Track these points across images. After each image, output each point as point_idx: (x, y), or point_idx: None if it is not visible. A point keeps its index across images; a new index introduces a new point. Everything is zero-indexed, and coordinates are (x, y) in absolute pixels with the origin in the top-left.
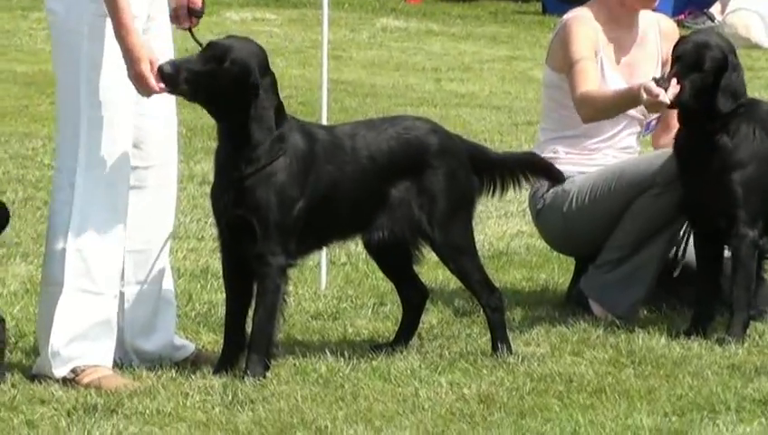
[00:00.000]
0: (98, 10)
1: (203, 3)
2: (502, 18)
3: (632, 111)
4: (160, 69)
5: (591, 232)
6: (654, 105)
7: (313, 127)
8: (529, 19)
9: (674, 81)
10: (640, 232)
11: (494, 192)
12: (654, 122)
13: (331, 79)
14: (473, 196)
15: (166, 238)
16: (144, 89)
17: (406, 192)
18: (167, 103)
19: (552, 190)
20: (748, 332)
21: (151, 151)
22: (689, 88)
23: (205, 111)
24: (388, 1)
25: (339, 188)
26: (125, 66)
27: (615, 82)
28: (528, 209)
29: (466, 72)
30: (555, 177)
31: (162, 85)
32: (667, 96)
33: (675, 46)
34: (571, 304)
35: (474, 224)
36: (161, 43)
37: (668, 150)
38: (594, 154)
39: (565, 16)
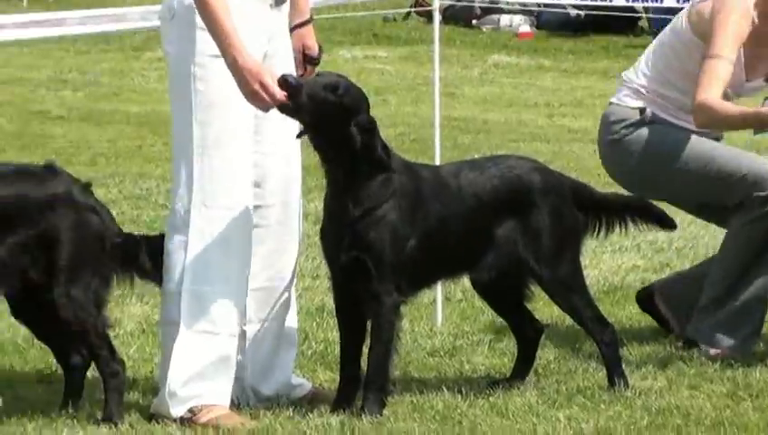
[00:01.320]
0: (207, 50)
1: (320, 50)
2: (613, 52)
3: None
4: (285, 79)
5: (658, 189)
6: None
7: (418, 166)
8: (640, 52)
9: None
10: (742, 263)
11: (598, 232)
12: None
13: (444, 116)
14: (578, 233)
15: (290, 277)
16: (261, 104)
17: (511, 231)
18: (288, 141)
19: (634, 130)
20: None
21: (272, 190)
22: None
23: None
24: (499, 37)
25: (445, 227)
26: (239, 92)
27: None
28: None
29: (579, 108)
30: (666, 223)
31: (283, 94)
32: None
33: None
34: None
35: (582, 260)
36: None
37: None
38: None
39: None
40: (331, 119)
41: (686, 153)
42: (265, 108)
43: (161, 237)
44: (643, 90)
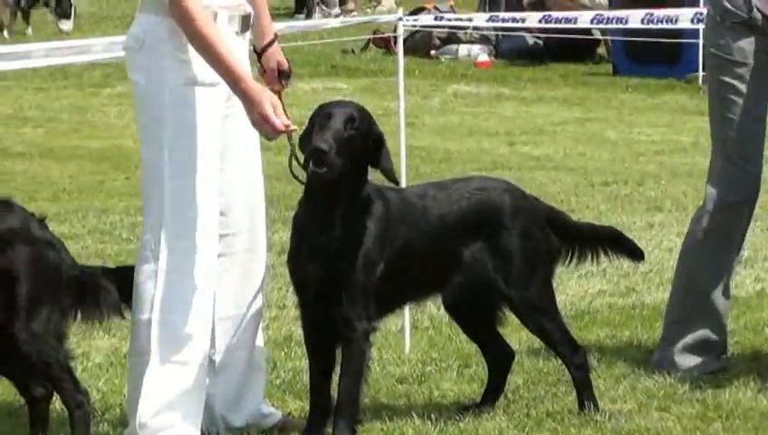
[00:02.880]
0: (180, 79)
1: (289, 65)
2: (572, 80)
3: None
4: (316, 148)
5: None
6: None
7: (385, 188)
8: (600, 80)
9: None
10: (693, 282)
11: (570, 260)
12: None
13: (406, 145)
14: (551, 254)
15: (257, 304)
16: (268, 131)
17: (480, 252)
18: (252, 169)
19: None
20: None
21: (237, 218)
22: None
23: (281, 181)
24: (458, 67)
25: (412, 249)
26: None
27: None
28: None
29: (539, 135)
30: (636, 255)
31: (286, 122)
32: None
33: None
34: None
35: (554, 284)
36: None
37: None
38: None
39: None
40: (359, 150)
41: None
42: (271, 135)
43: (123, 269)
44: None
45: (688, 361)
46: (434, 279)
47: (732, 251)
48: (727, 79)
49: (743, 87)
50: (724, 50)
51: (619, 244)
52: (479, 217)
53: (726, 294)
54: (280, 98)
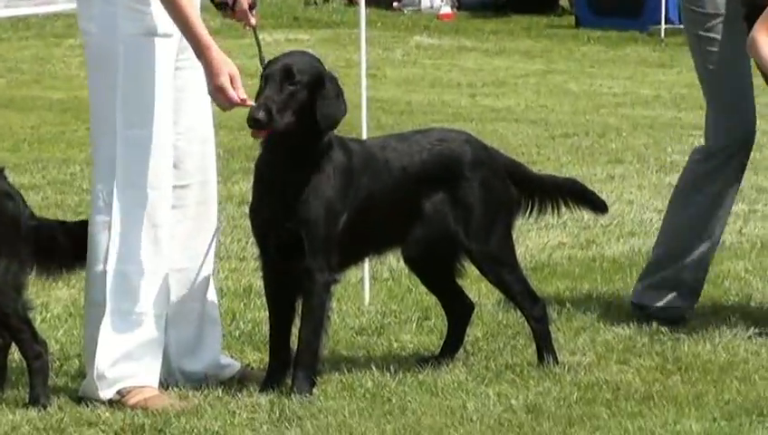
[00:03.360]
0: (135, 28)
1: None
2: (535, 33)
3: None
4: (253, 118)
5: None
6: None
7: (347, 140)
8: (563, 33)
9: None
10: (681, 227)
11: (530, 212)
12: None
13: (368, 97)
14: (511, 206)
15: (208, 256)
16: (224, 102)
17: (441, 204)
18: (204, 122)
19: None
20: None
21: (190, 170)
22: None
23: (243, 131)
24: (420, 19)
25: (374, 201)
26: (163, 72)
27: None
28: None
29: (501, 87)
30: (599, 207)
31: (243, 97)
32: None
33: None
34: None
35: (514, 236)
36: (197, 70)
37: None
38: None
39: None
40: (302, 105)
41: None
42: (227, 105)
43: (81, 223)
44: None
45: (660, 297)
46: (395, 231)
47: (725, 198)
48: (703, 33)
49: (719, 37)
50: (697, 3)
51: (581, 196)
52: (440, 168)
53: (714, 239)
54: (255, 34)
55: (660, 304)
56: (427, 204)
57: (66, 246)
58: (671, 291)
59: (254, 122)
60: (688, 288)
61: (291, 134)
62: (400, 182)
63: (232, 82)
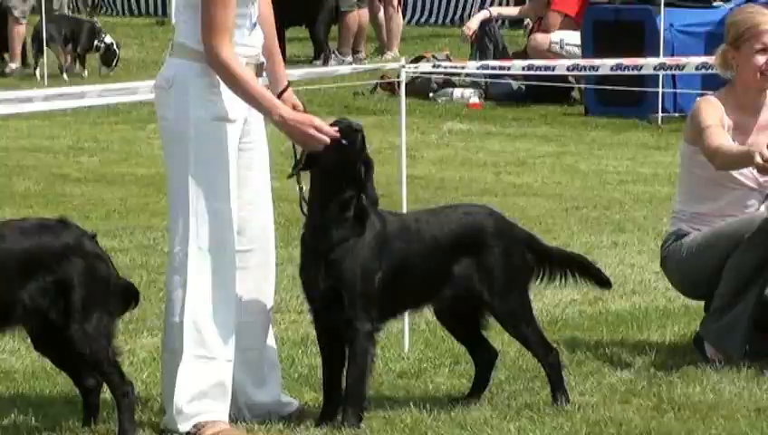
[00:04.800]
0: (204, 114)
1: (304, 106)
2: (550, 119)
3: (753, 185)
4: (349, 124)
5: (704, 280)
6: (762, 169)
7: (384, 212)
8: (574, 120)
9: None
10: (737, 285)
11: (542, 280)
12: None
13: (407, 175)
14: (528, 270)
15: (268, 311)
16: (316, 144)
17: (467, 268)
18: (264, 195)
19: (672, 243)
20: None
21: (251, 237)
22: None
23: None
24: (452, 108)
25: (407, 263)
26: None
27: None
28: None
29: (521, 166)
30: (602, 282)
31: (336, 131)
32: None
33: None
34: (695, 349)
35: (531, 294)
36: (259, 151)
37: (756, 217)
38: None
39: (698, 99)
40: (356, 155)
41: (701, 240)
42: (320, 146)
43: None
44: (679, 214)
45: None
46: (428, 289)
47: None
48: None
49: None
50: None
51: (587, 271)
52: (466, 237)
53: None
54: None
55: None
56: (456, 267)
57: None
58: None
59: (347, 127)
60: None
61: (336, 206)
62: (432, 248)
63: (318, 128)
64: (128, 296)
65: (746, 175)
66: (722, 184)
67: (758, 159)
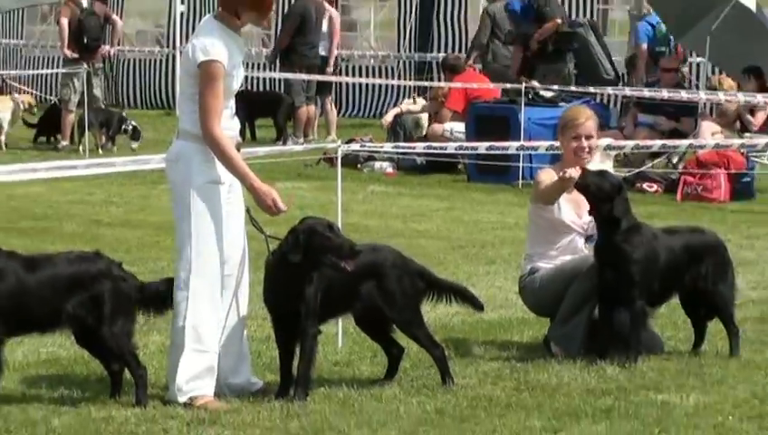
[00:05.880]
0: (202, 179)
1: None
2: (443, 184)
3: (578, 229)
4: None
5: (550, 302)
6: (568, 181)
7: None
8: (459, 185)
9: (576, 169)
10: (575, 304)
11: (433, 299)
12: (594, 235)
13: (343, 223)
14: (419, 292)
15: (243, 319)
16: (272, 213)
17: (371, 289)
18: (241, 236)
19: (528, 277)
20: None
21: (232, 265)
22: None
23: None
24: (374, 175)
25: (332, 288)
26: (221, 208)
27: (567, 212)
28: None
29: (422, 217)
30: (477, 306)
31: (283, 208)
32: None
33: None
34: (545, 346)
35: (423, 308)
36: (238, 204)
37: (589, 257)
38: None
39: (538, 171)
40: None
41: (550, 274)
42: (275, 215)
43: (165, 282)
44: (530, 255)
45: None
46: (346, 305)
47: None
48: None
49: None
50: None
51: (463, 296)
52: (371, 267)
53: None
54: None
55: None
56: (362, 288)
57: (159, 304)
58: None
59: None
60: None
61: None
62: (344, 277)
63: (274, 202)
64: (159, 298)
65: (575, 223)
66: (557, 230)
67: (566, 175)
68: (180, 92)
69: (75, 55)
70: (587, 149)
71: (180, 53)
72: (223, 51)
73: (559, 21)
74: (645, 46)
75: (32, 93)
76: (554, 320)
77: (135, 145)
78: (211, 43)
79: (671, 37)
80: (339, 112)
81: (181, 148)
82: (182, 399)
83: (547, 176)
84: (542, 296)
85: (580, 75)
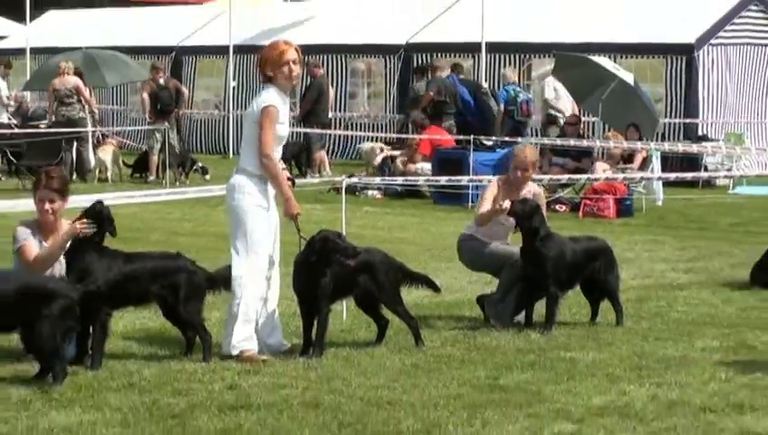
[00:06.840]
0: (251, 204)
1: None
2: (416, 206)
3: (505, 223)
4: (357, 252)
5: (482, 267)
6: (500, 211)
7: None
8: (428, 206)
9: (508, 201)
10: (506, 289)
11: (408, 286)
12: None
13: (346, 233)
14: (398, 281)
15: (276, 297)
16: (294, 218)
17: (366, 279)
18: (277, 240)
19: (469, 241)
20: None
21: (270, 264)
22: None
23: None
24: (367, 200)
25: (339, 278)
26: (266, 221)
27: (507, 219)
28: None
29: (402, 229)
30: (436, 290)
31: (299, 214)
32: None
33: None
34: (486, 320)
35: (402, 291)
36: (275, 222)
37: (516, 252)
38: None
39: (488, 184)
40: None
41: (488, 249)
42: (294, 219)
43: (225, 268)
44: (472, 228)
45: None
46: (348, 290)
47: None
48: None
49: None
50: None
51: (424, 281)
52: (366, 266)
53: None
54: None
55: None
56: (359, 278)
57: (222, 283)
58: None
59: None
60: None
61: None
62: (348, 271)
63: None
64: (222, 282)
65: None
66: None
67: (501, 207)
68: (244, 138)
69: (152, 119)
70: (520, 177)
71: (232, 115)
72: (277, 101)
73: (431, 94)
74: (503, 106)
75: (121, 142)
76: (490, 300)
77: (207, 177)
78: (269, 97)
79: (518, 99)
80: (344, 156)
81: (239, 180)
82: (234, 352)
83: (490, 194)
84: (479, 261)
85: (481, 128)
